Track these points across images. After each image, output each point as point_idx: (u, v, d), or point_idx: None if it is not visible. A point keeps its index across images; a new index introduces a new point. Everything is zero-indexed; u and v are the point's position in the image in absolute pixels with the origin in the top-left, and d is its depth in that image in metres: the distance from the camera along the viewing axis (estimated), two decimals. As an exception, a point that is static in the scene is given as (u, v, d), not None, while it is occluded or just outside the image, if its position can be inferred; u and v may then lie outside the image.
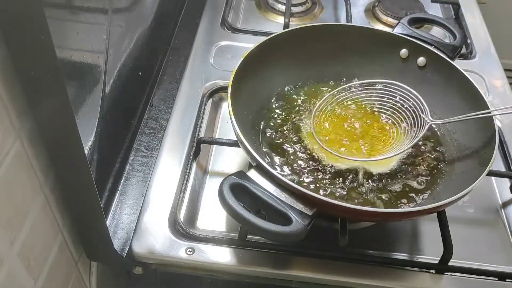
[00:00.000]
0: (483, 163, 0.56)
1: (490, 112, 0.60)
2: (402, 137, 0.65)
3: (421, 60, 0.70)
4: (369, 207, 0.58)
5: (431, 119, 0.63)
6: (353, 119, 0.68)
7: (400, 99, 0.66)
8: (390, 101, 0.67)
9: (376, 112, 0.68)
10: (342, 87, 0.69)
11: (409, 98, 0.65)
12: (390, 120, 0.67)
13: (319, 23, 0.89)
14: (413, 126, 0.65)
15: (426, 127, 0.62)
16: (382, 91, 0.68)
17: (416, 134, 0.63)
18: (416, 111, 0.64)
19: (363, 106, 0.69)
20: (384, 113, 0.68)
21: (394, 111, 0.67)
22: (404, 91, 0.66)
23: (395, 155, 0.62)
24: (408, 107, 0.66)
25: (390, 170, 0.63)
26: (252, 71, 0.66)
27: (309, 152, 0.64)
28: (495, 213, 0.67)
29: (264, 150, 0.64)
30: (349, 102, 0.69)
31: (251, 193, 0.50)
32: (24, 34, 0.36)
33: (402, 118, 0.66)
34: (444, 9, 1.03)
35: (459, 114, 0.65)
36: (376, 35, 0.72)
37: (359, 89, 0.70)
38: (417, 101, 0.64)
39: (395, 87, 0.66)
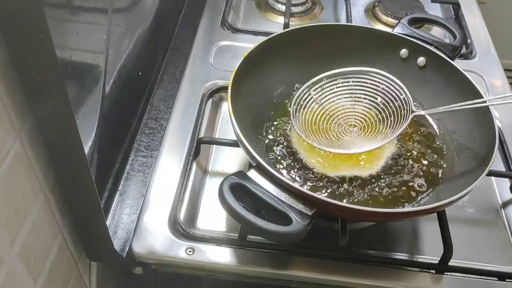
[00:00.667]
0: (483, 163, 0.56)
1: (478, 103, 0.60)
2: (386, 130, 0.64)
3: (421, 60, 0.70)
4: (369, 207, 0.58)
5: (414, 109, 0.62)
6: (333, 113, 0.66)
7: (383, 89, 0.65)
8: (373, 92, 0.66)
9: (358, 105, 0.67)
10: (319, 77, 0.67)
11: (392, 88, 0.65)
12: (373, 112, 0.66)
13: (319, 23, 0.89)
14: (397, 118, 0.64)
15: (410, 117, 0.62)
16: (364, 82, 0.67)
17: (400, 125, 0.62)
18: (399, 102, 0.64)
19: (344, 98, 0.67)
20: (367, 105, 0.66)
21: (377, 102, 0.66)
22: (388, 80, 0.65)
23: (377, 148, 0.61)
24: (391, 97, 0.65)
25: (378, 171, 0.62)
26: (252, 71, 0.66)
27: (298, 156, 0.63)
28: (495, 213, 0.67)
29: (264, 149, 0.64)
30: (329, 95, 0.67)
31: (251, 193, 0.50)
32: (24, 34, 0.36)
33: (386, 110, 0.65)
34: (444, 9, 1.03)
35: (459, 114, 0.65)
36: (376, 35, 0.72)
37: (340, 80, 0.68)
38: (401, 91, 0.64)
39: (378, 77, 0.65)
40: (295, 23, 0.93)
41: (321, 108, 0.66)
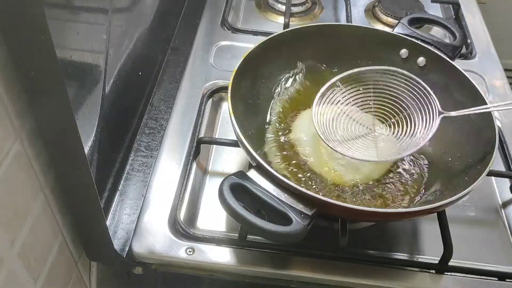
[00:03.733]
0: (483, 163, 0.56)
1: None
2: (412, 132, 0.62)
3: (421, 60, 0.70)
4: (369, 207, 0.58)
5: (442, 110, 0.60)
6: (356, 116, 0.65)
7: (405, 90, 0.64)
8: (395, 94, 0.65)
9: (380, 107, 0.66)
10: (339, 76, 0.66)
11: (415, 89, 0.63)
12: (397, 115, 0.65)
13: (319, 23, 0.89)
14: (422, 120, 0.62)
15: (438, 119, 0.60)
16: (385, 84, 0.66)
17: (429, 128, 0.60)
18: (424, 103, 0.62)
19: (366, 101, 0.66)
20: (388, 107, 0.65)
21: (400, 105, 0.64)
22: (411, 81, 0.64)
23: (408, 155, 0.59)
24: (414, 99, 0.63)
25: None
26: (252, 71, 0.66)
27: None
28: (495, 213, 0.67)
29: (265, 150, 0.64)
30: (349, 98, 0.66)
31: (251, 193, 0.50)
32: (24, 34, 0.36)
33: (410, 112, 0.63)
34: (444, 9, 1.03)
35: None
36: (376, 35, 0.72)
37: (361, 81, 0.67)
38: (425, 92, 0.62)
39: (399, 78, 0.64)
40: (295, 23, 0.93)
41: (341, 108, 0.65)
